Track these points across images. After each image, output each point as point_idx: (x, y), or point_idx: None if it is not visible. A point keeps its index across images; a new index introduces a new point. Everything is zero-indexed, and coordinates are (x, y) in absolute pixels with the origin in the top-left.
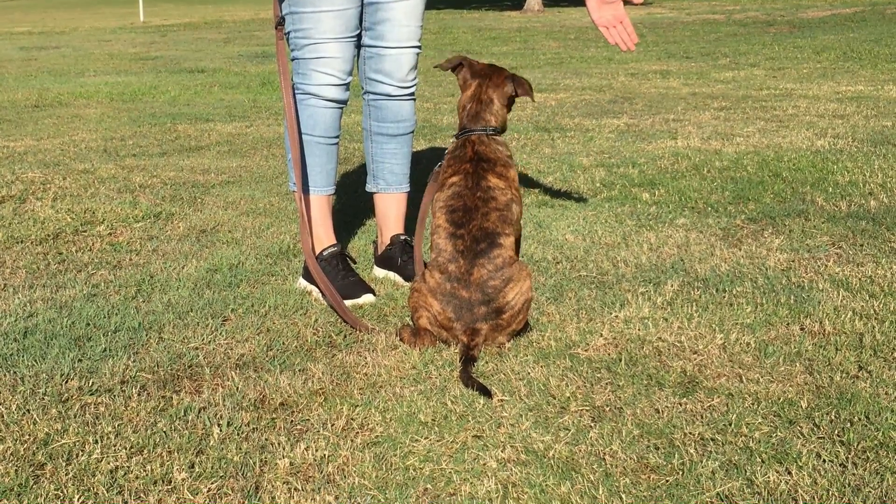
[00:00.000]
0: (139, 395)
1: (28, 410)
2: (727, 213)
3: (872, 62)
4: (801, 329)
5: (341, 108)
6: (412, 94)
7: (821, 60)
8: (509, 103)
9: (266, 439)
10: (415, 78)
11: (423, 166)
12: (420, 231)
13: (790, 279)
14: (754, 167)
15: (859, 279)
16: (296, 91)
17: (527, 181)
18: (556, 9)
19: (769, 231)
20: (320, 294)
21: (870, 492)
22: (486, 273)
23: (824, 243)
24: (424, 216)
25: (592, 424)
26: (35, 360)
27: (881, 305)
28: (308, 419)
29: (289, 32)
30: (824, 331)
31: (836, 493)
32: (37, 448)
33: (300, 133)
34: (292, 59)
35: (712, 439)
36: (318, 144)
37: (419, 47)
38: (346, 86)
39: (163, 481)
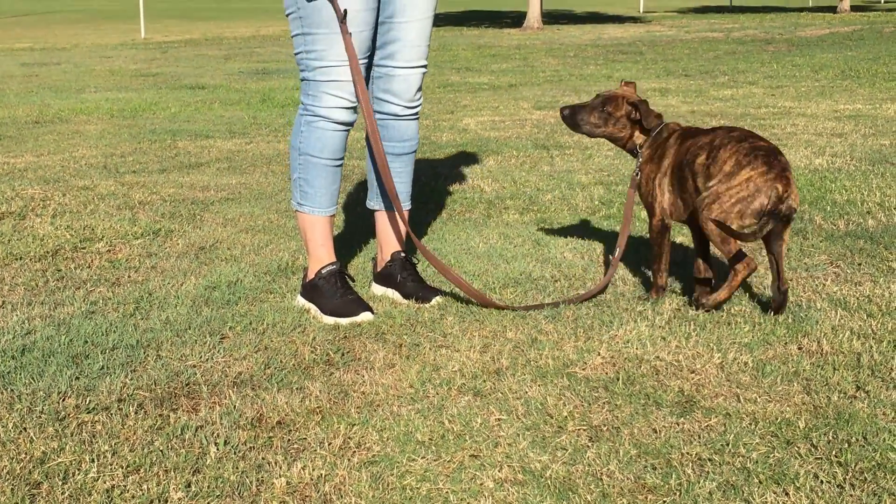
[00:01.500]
0: (136, 413)
1: (25, 428)
2: None
3: (870, 80)
4: (799, 348)
5: (349, 130)
6: (417, 114)
7: (819, 79)
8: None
9: (263, 458)
10: (420, 97)
11: (422, 183)
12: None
13: (788, 298)
14: None
15: (857, 298)
16: (304, 112)
17: (525, 199)
18: (556, 26)
19: None
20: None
21: None
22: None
23: (822, 262)
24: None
25: (590, 444)
26: (32, 378)
27: (879, 325)
28: (305, 438)
29: (299, 53)
30: (822, 350)
31: None
32: (33, 466)
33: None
34: (301, 80)
35: (710, 459)
36: (325, 167)
37: (426, 66)
38: (355, 108)
39: (159, 500)
